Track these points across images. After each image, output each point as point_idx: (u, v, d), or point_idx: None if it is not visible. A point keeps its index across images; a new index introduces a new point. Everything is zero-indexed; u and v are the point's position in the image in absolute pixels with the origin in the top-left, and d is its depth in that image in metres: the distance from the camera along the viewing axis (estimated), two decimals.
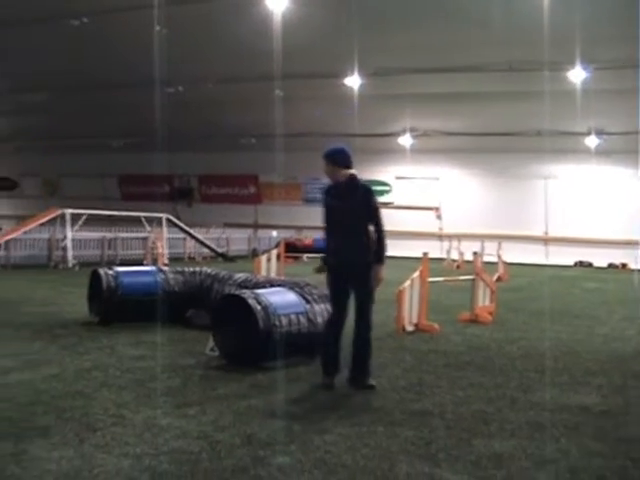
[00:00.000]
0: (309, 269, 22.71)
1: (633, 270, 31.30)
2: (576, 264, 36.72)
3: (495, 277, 21.65)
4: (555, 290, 21.74)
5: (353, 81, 29.74)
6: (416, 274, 12.61)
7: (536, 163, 37.37)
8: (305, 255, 32.77)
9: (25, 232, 25.78)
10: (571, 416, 6.91)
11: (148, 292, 11.96)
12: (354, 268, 7.87)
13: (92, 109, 36.97)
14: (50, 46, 27.64)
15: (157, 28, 23.12)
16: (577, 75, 26.85)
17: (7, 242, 24.85)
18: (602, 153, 35.21)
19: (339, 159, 8.05)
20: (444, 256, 32.45)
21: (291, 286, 9.92)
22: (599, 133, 34.39)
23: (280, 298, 9.25)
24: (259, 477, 5.12)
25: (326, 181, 8.19)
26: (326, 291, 8.25)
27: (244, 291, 9.65)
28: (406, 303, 12.09)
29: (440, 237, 38.90)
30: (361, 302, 7.95)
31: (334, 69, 28.79)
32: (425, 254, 12.85)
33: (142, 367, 8.66)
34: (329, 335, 8.07)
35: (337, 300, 8.03)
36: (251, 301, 8.88)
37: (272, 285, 10.55)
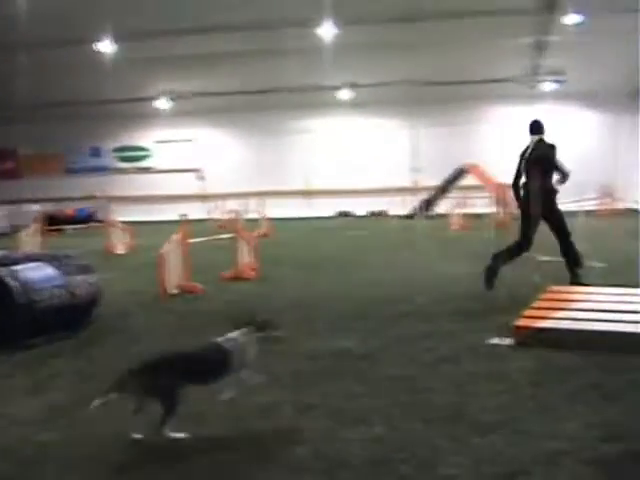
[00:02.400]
0: (75, 241, 22.31)
1: (392, 216, 32.70)
2: (339, 214, 37.61)
3: (261, 233, 22.19)
4: (317, 241, 22.46)
5: (105, 46, 29.20)
6: (175, 236, 12.65)
7: (293, 118, 38.01)
8: (71, 227, 31.60)
9: None
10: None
11: None
12: None
13: None
14: None
15: None
16: (327, 31, 27.56)
17: None
18: (356, 105, 36.44)
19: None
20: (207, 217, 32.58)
21: (49, 260, 9.75)
22: (352, 86, 35.34)
23: (39, 273, 9.09)
24: None
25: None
26: (84, 262, 8.10)
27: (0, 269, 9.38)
28: (168, 266, 12.10)
29: (204, 198, 38.66)
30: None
31: (85, 34, 28.04)
32: (183, 215, 12.89)
33: None
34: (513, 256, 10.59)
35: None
36: (7, 279, 8.66)
37: (31, 261, 10.32)
